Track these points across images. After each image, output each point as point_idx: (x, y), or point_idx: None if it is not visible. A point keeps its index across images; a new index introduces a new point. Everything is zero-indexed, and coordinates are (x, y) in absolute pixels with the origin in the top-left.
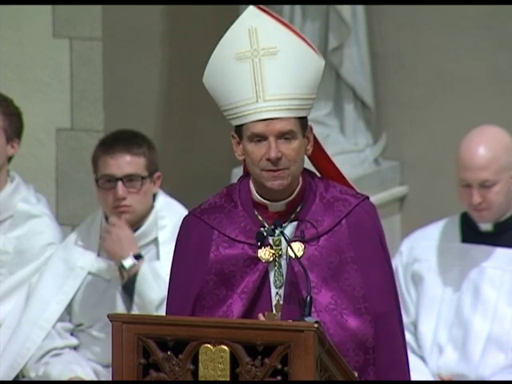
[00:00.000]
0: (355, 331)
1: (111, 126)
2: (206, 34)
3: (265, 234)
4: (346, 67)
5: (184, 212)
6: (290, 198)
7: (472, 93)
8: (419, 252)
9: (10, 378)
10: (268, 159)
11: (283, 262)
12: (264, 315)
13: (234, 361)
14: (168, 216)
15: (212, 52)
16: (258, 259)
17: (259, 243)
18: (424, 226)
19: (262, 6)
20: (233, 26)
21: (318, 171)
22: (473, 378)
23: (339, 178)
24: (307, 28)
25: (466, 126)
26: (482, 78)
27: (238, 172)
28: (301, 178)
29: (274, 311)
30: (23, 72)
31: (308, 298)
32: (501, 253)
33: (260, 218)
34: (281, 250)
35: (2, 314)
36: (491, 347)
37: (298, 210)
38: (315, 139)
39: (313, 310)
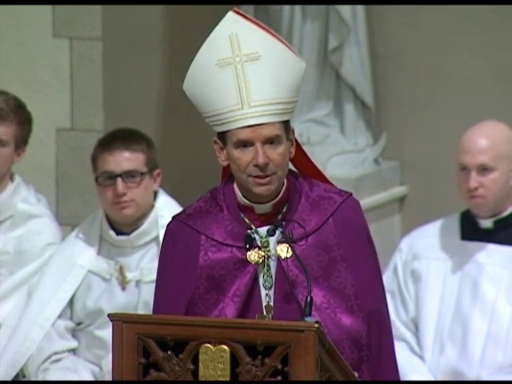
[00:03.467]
0: (349, 329)
1: (111, 126)
2: (205, 34)
3: (253, 235)
4: (346, 67)
5: None
6: (276, 199)
7: (472, 93)
8: (419, 249)
9: (10, 377)
10: (255, 165)
11: (272, 263)
12: (255, 318)
13: (234, 361)
14: (168, 215)
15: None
16: (248, 261)
17: (248, 245)
18: (424, 225)
19: (240, 12)
20: (213, 33)
21: (298, 171)
22: (472, 375)
23: (320, 176)
24: (307, 28)
25: (465, 125)
26: (482, 78)
27: None
28: (285, 179)
29: (265, 313)
30: (23, 72)
31: (308, 297)
32: (500, 250)
33: (246, 220)
34: (269, 251)
35: (3, 314)
36: (491, 345)
37: (284, 210)
38: (296, 143)
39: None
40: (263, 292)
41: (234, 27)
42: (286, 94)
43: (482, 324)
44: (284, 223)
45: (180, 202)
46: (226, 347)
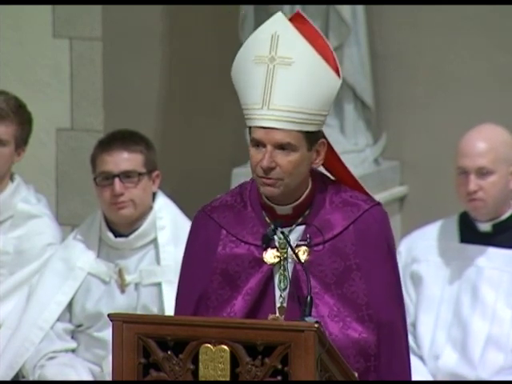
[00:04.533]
0: (357, 338)
1: (111, 126)
2: (205, 34)
3: (272, 233)
4: (346, 67)
5: (179, 214)
6: (297, 203)
7: (472, 93)
8: (418, 252)
9: (9, 378)
10: (261, 166)
11: (289, 265)
12: (268, 318)
13: (235, 361)
14: (165, 217)
15: (214, 51)
16: (263, 261)
17: (264, 245)
18: (424, 226)
19: (301, 15)
20: (259, 28)
21: (334, 177)
22: (472, 378)
23: (355, 185)
24: None
25: (466, 125)
26: (482, 77)
27: (238, 172)
28: (311, 182)
29: (277, 314)
30: (23, 72)
31: (308, 297)
32: (499, 253)
33: (268, 219)
34: (286, 252)
35: (3, 314)
36: (490, 348)
37: (307, 213)
38: (331, 150)
39: (315, 314)
40: (277, 293)
41: (278, 28)
42: (310, 106)
43: (482, 328)
44: (294, 227)
45: (179, 204)
46: (226, 347)
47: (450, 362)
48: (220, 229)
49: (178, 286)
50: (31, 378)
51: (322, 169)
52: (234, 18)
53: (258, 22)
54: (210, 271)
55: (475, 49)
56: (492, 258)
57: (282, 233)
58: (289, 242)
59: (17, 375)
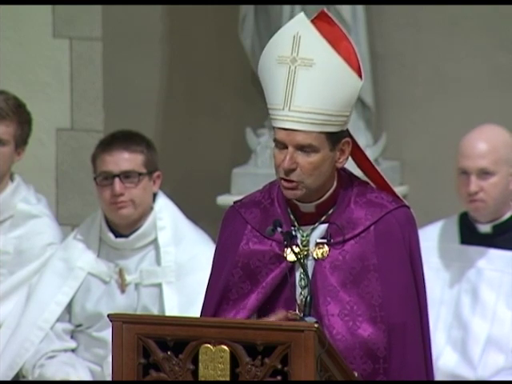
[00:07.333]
0: (366, 339)
1: (111, 126)
2: (206, 34)
3: (294, 232)
4: None
5: (179, 214)
6: (320, 201)
7: (472, 93)
8: None
9: (9, 379)
10: (282, 168)
11: (309, 263)
12: (288, 315)
13: (234, 361)
14: (166, 217)
15: (217, 51)
16: (284, 257)
17: (286, 242)
18: (424, 226)
19: (326, 13)
20: (282, 28)
21: (367, 177)
22: (472, 379)
23: (384, 186)
24: None
25: (466, 126)
26: (481, 77)
27: (238, 172)
28: (336, 181)
29: (297, 311)
30: (23, 72)
31: (308, 297)
32: (499, 255)
33: (292, 217)
34: (308, 250)
35: (3, 314)
36: (491, 349)
37: (330, 212)
38: (358, 149)
39: (325, 313)
40: (298, 290)
41: (300, 28)
42: (331, 107)
43: (483, 329)
44: (317, 224)
45: (179, 204)
46: (225, 347)
47: (450, 362)
48: (246, 224)
49: (209, 280)
50: (30, 378)
51: (358, 172)
52: (234, 18)
53: (258, 22)
54: (231, 265)
55: (475, 49)
56: (492, 259)
57: (282, 232)
58: (287, 241)
59: (17, 375)
